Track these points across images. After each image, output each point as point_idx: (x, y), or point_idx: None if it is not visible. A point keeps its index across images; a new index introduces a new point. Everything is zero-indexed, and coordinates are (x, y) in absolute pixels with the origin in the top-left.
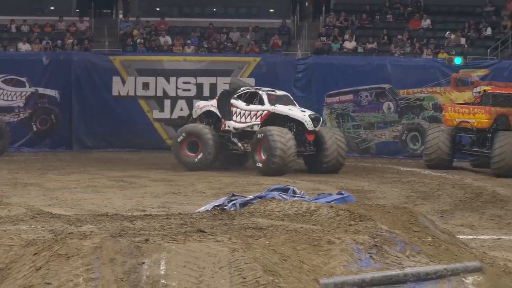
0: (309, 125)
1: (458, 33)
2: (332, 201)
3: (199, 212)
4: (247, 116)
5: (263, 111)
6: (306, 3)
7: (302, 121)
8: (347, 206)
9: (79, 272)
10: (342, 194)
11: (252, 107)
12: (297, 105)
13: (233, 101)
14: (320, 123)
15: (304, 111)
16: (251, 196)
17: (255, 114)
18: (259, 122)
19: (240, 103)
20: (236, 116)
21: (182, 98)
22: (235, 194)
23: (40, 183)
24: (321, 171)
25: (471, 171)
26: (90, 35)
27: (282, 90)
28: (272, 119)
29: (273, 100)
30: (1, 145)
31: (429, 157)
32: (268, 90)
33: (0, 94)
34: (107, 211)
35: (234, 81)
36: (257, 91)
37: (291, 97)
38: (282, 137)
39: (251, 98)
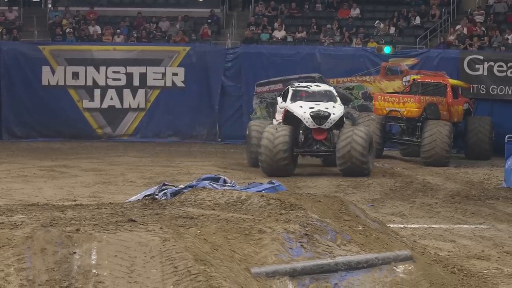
0: (309, 122)
1: (387, 22)
2: (263, 190)
3: (130, 201)
4: (279, 114)
5: (281, 108)
6: None
7: (301, 118)
8: (278, 195)
9: (10, 262)
10: (273, 183)
11: (280, 104)
12: (339, 102)
13: (277, 98)
14: (330, 121)
15: (313, 108)
16: (182, 186)
17: (281, 112)
18: (281, 120)
19: (279, 100)
20: (277, 114)
21: (112, 87)
22: (166, 183)
23: None
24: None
25: (401, 160)
26: (19, 24)
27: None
28: (290, 116)
29: (304, 97)
30: None
31: None
32: (304, 86)
33: None
34: (37, 201)
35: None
36: (290, 86)
37: (334, 92)
38: (271, 134)
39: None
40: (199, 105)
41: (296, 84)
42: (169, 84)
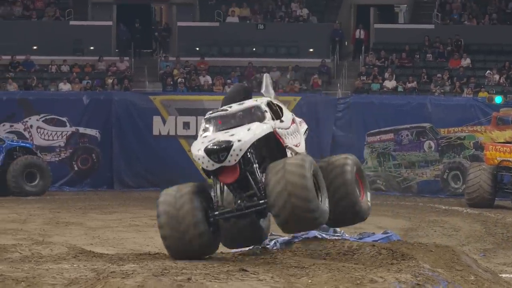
0: (205, 163)
1: (495, 71)
2: (378, 240)
3: (240, 251)
4: None
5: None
6: (346, 43)
7: (198, 162)
8: (389, 245)
9: None
10: (387, 233)
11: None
12: (268, 118)
13: None
14: (235, 151)
15: (213, 139)
16: (292, 235)
17: None
18: None
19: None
20: None
21: None
22: (274, 233)
23: (82, 222)
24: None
25: None
26: (130, 74)
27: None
28: None
29: (220, 125)
30: (43, 185)
31: (470, 196)
32: (220, 110)
33: (41, 134)
34: (149, 250)
35: None
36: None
37: (263, 107)
38: (172, 197)
39: None
40: (309, 155)
41: (208, 113)
42: None
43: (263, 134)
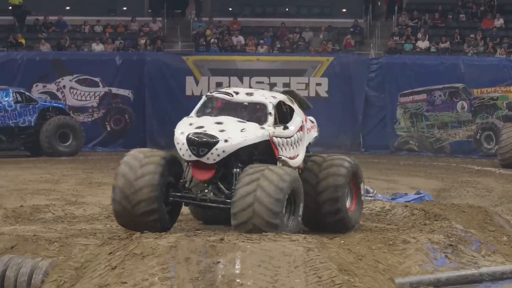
0: (183, 151)
1: None
2: (410, 200)
3: None
4: None
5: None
6: (379, 3)
7: (175, 145)
8: (422, 205)
9: (154, 271)
10: (420, 193)
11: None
12: (269, 123)
13: None
14: (217, 151)
15: (201, 127)
16: None
17: None
18: None
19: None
20: None
21: None
22: None
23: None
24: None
25: None
26: (163, 35)
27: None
28: None
29: (219, 110)
30: (75, 145)
31: (503, 157)
32: (225, 93)
33: (74, 94)
34: (182, 210)
35: None
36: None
37: (269, 108)
38: (131, 169)
39: None
40: (342, 115)
41: (213, 91)
42: (312, 94)
43: (255, 141)
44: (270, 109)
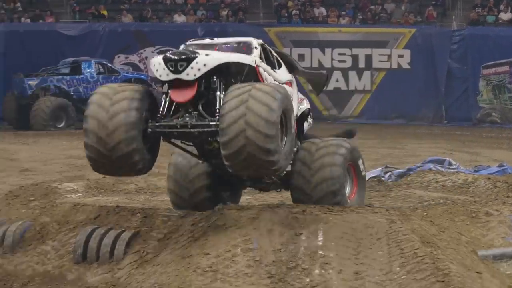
0: (160, 71)
1: None
2: (493, 173)
3: None
4: None
5: None
6: None
7: (152, 68)
8: (505, 177)
9: (237, 243)
10: (503, 166)
11: None
12: (254, 54)
13: None
14: (197, 65)
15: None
16: (407, 168)
17: None
18: None
19: None
20: None
21: (337, 69)
22: (388, 166)
23: None
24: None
25: None
26: (245, 6)
27: (438, 62)
28: None
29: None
30: None
31: None
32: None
33: None
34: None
35: None
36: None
37: (254, 43)
38: (106, 96)
39: None
40: (424, 87)
41: (192, 40)
42: (394, 66)
43: (240, 60)
44: (255, 44)
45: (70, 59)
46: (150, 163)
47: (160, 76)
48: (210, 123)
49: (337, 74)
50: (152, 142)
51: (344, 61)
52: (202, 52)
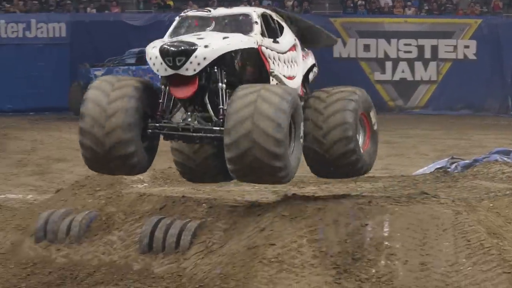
0: (157, 65)
1: None
2: None
3: (421, 174)
4: None
5: None
6: None
7: (148, 61)
8: None
9: (302, 233)
10: None
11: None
12: (255, 31)
13: None
14: (197, 59)
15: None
16: (473, 159)
17: None
18: None
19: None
20: None
21: (403, 60)
22: (454, 157)
23: None
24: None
25: None
26: None
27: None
28: None
29: (197, 27)
30: None
31: None
32: (201, 10)
33: None
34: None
35: None
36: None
37: (254, 17)
38: (103, 93)
39: None
40: (491, 78)
41: (187, 10)
42: (460, 56)
43: (241, 47)
44: (255, 18)
45: (136, 50)
46: (148, 163)
47: (157, 70)
48: (214, 127)
49: (403, 65)
50: (151, 140)
51: (410, 52)
52: (201, 42)
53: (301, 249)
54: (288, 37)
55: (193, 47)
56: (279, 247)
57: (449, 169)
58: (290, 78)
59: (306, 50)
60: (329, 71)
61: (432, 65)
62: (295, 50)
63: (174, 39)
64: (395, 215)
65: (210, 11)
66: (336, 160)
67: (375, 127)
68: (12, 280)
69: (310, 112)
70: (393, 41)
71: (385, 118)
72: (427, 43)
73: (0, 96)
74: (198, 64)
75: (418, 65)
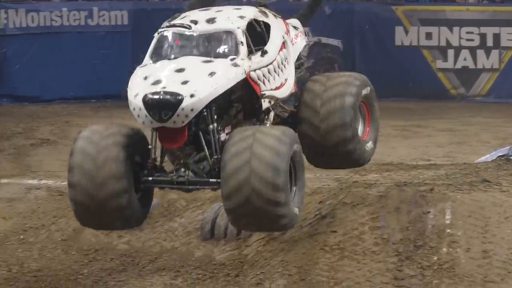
0: (142, 117)
1: None
2: None
3: (483, 162)
4: None
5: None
6: None
7: (131, 110)
8: None
9: (364, 221)
10: None
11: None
12: (242, 54)
13: None
14: (184, 111)
15: (158, 83)
16: None
17: None
18: None
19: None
20: None
21: (465, 48)
22: None
23: None
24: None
25: None
26: None
27: None
28: None
29: (177, 48)
30: None
31: None
32: (180, 25)
33: None
34: (391, 160)
35: None
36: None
37: (239, 36)
38: (95, 145)
39: None
40: None
41: (167, 23)
42: None
43: (228, 87)
44: (240, 37)
45: None
46: (143, 215)
47: (143, 123)
48: (210, 180)
49: (465, 53)
50: (144, 192)
51: (472, 40)
52: (186, 91)
53: (363, 236)
54: (276, 37)
55: (178, 97)
56: (341, 234)
57: (511, 157)
58: (281, 86)
59: (297, 28)
60: (391, 59)
61: (494, 53)
62: (285, 47)
63: (157, 83)
64: (456, 202)
65: (190, 27)
66: (332, 148)
67: (376, 116)
68: (74, 267)
69: (308, 96)
70: (455, 29)
71: (447, 106)
72: (489, 31)
73: (63, 83)
74: (186, 116)
75: (480, 53)
